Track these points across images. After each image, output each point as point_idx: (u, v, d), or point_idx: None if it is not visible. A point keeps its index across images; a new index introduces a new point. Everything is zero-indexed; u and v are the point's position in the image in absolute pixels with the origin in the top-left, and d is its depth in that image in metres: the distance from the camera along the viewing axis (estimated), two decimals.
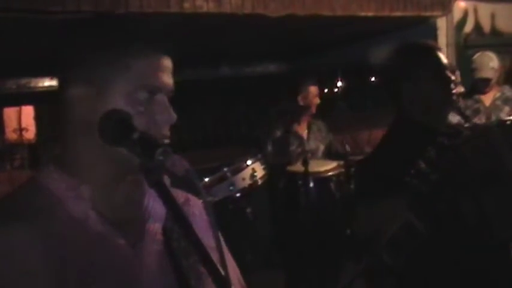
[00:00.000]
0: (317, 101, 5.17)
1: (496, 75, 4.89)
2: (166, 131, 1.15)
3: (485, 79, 4.86)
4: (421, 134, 2.24)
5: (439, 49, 2.36)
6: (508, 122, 2.11)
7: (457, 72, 4.43)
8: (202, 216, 1.28)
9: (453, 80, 2.25)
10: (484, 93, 4.94)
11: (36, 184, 1.13)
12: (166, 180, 1.12)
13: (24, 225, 1.04)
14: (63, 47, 1.15)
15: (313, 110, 5.16)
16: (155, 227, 1.17)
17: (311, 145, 5.21)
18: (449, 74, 2.23)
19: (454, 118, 4.32)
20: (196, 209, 1.31)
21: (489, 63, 4.86)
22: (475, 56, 5.02)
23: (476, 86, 4.97)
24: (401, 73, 2.28)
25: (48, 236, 1.05)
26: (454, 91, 2.24)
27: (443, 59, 2.26)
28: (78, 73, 1.11)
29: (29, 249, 1.03)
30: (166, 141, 1.14)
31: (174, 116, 1.15)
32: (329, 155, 5.18)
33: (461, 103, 4.66)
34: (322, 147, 5.22)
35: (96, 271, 1.07)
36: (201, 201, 1.29)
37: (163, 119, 1.13)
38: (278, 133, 5.20)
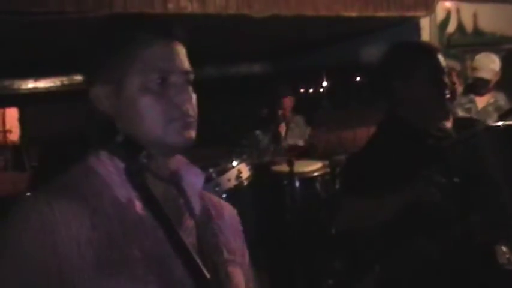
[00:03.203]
0: (290, 102, 5.33)
1: (495, 78, 4.85)
2: (191, 111, 1.20)
3: (484, 79, 4.83)
4: (409, 134, 2.24)
5: (439, 52, 2.33)
6: (496, 128, 2.11)
7: (454, 73, 4.47)
8: (232, 221, 1.37)
9: (448, 85, 2.23)
10: (480, 94, 4.90)
11: (87, 167, 1.19)
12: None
13: (74, 201, 1.12)
14: (82, 52, 1.23)
15: (287, 112, 5.34)
16: (191, 222, 1.21)
17: (289, 141, 5.28)
18: (445, 78, 2.21)
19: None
20: (226, 212, 1.37)
21: (490, 64, 4.82)
22: (478, 56, 5.01)
23: (474, 85, 4.94)
24: (394, 71, 2.27)
25: (95, 214, 1.13)
26: (447, 96, 2.22)
27: (442, 62, 2.24)
28: (96, 74, 1.19)
29: (77, 224, 1.10)
30: (191, 119, 1.19)
31: (191, 95, 1.20)
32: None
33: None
34: (301, 143, 5.28)
35: (134, 254, 1.12)
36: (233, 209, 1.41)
37: (180, 100, 1.17)
38: (257, 131, 5.30)
